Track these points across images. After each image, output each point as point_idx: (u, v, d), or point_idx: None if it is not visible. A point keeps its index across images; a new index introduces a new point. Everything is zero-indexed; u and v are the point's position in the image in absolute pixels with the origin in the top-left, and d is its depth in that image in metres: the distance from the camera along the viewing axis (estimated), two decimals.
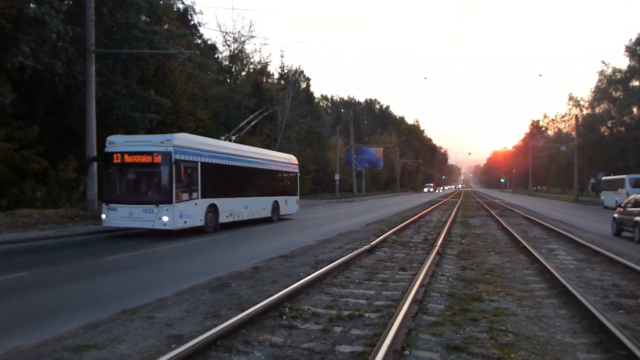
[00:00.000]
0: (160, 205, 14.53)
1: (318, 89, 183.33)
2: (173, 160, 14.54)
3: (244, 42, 47.17)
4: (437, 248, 12.18)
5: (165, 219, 14.51)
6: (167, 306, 6.76)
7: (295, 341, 5.39)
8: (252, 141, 40.62)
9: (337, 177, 57.54)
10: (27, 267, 10.16)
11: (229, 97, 36.60)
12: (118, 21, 23.85)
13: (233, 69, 47.70)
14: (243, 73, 50.49)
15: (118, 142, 15.57)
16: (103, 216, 15.46)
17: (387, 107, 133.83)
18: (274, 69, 62.14)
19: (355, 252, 11.34)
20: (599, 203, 42.52)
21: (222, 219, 17.65)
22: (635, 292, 7.97)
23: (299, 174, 26.07)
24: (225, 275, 9.02)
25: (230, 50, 47.49)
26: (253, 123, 27.02)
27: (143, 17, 26.31)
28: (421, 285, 7.97)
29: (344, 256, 10.64)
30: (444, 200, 52.70)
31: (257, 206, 20.57)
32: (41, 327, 6.02)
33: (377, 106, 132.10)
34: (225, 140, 22.27)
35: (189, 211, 15.39)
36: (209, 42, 42.79)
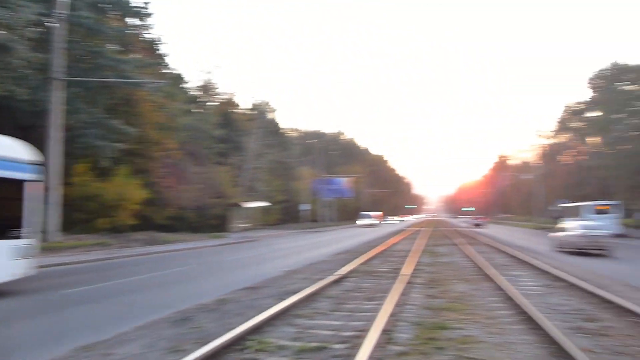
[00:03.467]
0: None
1: (286, 120, 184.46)
2: None
3: (210, 72, 47.43)
4: (404, 277, 12.17)
5: None
6: (126, 342, 6.49)
7: None
8: (220, 171, 40.43)
9: (304, 207, 57.51)
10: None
11: (197, 127, 36.40)
12: (86, 49, 23.65)
13: (201, 99, 47.64)
14: (211, 103, 50.49)
15: None
16: None
17: (352, 139, 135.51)
18: (241, 100, 62.31)
19: (323, 282, 11.23)
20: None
21: None
22: (596, 316, 8.10)
23: (31, 182, 11.36)
24: (189, 308, 8.78)
25: (197, 81, 47.57)
26: None
27: (115, 47, 26.17)
28: (388, 314, 7.90)
29: (311, 287, 10.51)
30: (411, 230, 53.05)
31: None
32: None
33: (343, 138, 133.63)
34: None
35: None
36: (175, 72, 42.67)
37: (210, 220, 38.41)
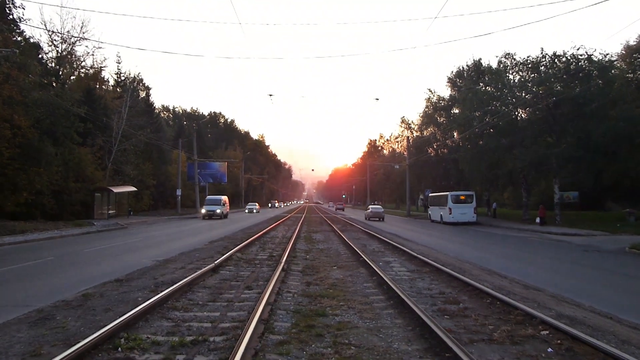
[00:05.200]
0: None
1: (159, 99, 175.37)
2: None
3: (74, 43, 42.98)
4: (282, 265, 12.28)
5: None
6: None
7: None
8: (82, 152, 37.20)
9: (178, 192, 55.39)
10: None
11: (55, 103, 32.93)
12: None
13: (60, 72, 43.18)
14: (73, 77, 46.07)
15: None
16: None
17: (232, 121, 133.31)
18: (109, 75, 57.05)
19: (199, 272, 10.90)
20: (427, 217, 47.27)
21: None
22: (457, 299, 8.89)
23: None
24: (49, 305, 7.96)
25: (57, 52, 42.85)
26: None
27: None
28: (267, 303, 7.91)
29: (186, 277, 10.15)
30: (289, 215, 53.85)
31: None
32: None
33: (222, 120, 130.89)
34: None
35: None
36: (32, 41, 38.03)
37: (72, 207, 35.33)
